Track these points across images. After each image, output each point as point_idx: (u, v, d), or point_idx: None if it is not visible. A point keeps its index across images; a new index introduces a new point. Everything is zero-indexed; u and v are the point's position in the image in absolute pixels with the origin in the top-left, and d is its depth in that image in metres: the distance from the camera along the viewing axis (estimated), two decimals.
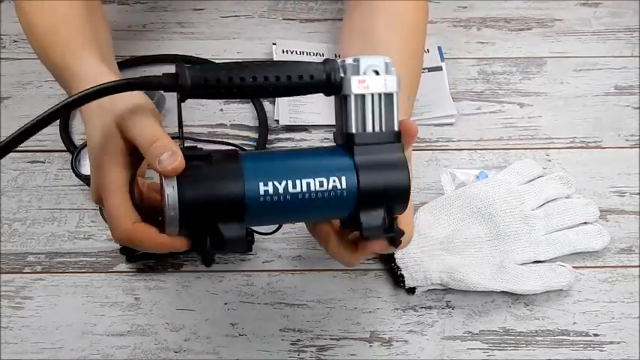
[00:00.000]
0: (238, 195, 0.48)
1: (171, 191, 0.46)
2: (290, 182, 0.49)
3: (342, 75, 0.51)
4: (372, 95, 0.51)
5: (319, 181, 0.50)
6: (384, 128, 0.51)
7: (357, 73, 0.51)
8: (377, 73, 0.51)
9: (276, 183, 0.49)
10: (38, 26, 0.64)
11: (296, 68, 0.50)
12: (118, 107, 0.51)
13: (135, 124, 0.50)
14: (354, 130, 0.51)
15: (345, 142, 0.52)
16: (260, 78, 0.48)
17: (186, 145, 0.50)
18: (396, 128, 0.52)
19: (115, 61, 0.69)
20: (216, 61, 0.82)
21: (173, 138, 0.49)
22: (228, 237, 0.47)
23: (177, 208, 0.47)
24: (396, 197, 0.51)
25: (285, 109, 0.79)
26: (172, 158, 0.47)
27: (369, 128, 0.51)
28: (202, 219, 0.48)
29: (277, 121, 0.78)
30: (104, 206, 0.50)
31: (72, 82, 0.57)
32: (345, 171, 0.50)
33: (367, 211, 0.51)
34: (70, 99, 0.49)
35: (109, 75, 0.56)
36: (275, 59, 0.83)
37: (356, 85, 0.50)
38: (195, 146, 0.51)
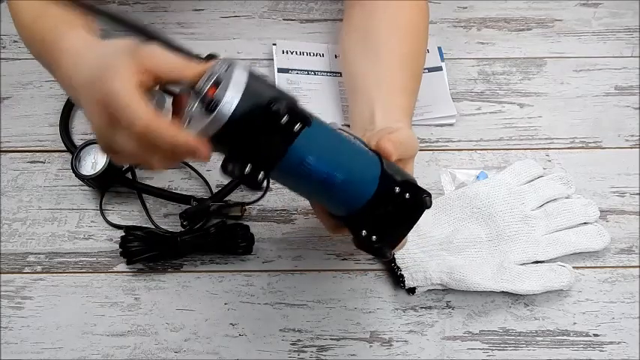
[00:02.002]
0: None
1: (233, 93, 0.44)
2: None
3: None
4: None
5: (353, 136, 0.52)
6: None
7: None
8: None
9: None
10: (24, 19, 0.61)
11: None
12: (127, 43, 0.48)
13: (159, 50, 0.47)
14: None
15: None
16: None
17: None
18: None
19: None
20: None
21: None
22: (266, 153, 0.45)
23: (232, 109, 0.44)
24: (409, 177, 0.54)
25: None
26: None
27: None
28: (248, 131, 0.45)
29: None
30: (111, 104, 0.45)
31: (60, 58, 0.54)
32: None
33: (390, 170, 0.52)
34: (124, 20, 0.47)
35: (103, 44, 0.51)
36: (275, 59, 0.83)
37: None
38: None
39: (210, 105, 0.44)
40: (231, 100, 0.44)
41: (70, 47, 0.54)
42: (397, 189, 0.51)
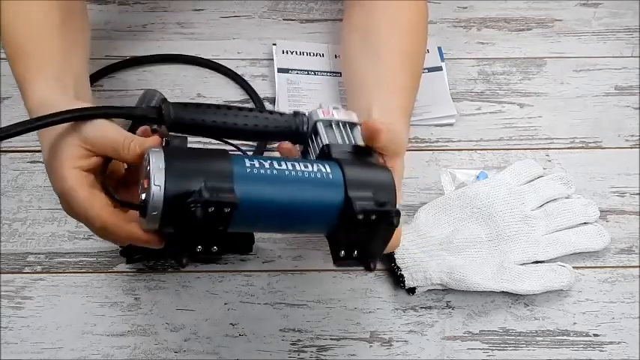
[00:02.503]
0: (225, 161, 0.48)
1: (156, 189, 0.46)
2: (275, 161, 0.50)
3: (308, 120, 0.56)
4: (338, 121, 0.56)
5: (303, 164, 0.51)
6: (353, 142, 0.55)
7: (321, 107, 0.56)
8: (337, 108, 0.56)
9: (261, 160, 0.50)
10: (9, 32, 0.61)
11: (267, 119, 0.55)
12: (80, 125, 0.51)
13: (101, 128, 0.51)
14: (326, 142, 0.54)
15: (321, 155, 0.54)
16: (230, 123, 0.53)
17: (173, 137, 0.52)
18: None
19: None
20: (216, 62, 0.82)
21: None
22: (217, 199, 0.46)
23: (160, 205, 0.46)
24: (381, 184, 0.52)
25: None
26: (147, 138, 0.49)
27: (341, 142, 0.55)
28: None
29: None
30: (70, 202, 0.50)
31: (25, 100, 0.57)
32: (325, 161, 0.52)
33: (357, 192, 0.50)
34: (45, 121, 0.50)
35: (53, 104, 0.52)
36: (275, 59, 0.83)
37: (321, 114, 0.56)
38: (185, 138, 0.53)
39: (142, 209, 0.47)
40: (155, 205, 0.46)
41: (35, 98, 0.56)
42: (360, 216, 0.48)
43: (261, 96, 0.80)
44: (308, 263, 0.69)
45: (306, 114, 0.57)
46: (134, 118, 0.54)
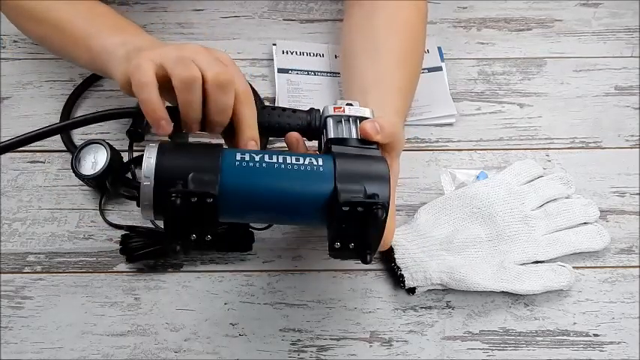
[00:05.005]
0: (215, 156, 0.51)
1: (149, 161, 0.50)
2: (266, 155, 0.52)
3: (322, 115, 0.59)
4: (349, 117, 0.57)
5: (295, 157, 0.52)
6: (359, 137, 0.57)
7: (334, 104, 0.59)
8: (351, 105, 0.59)
9: (252, 154, 0.52)
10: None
11: (279, 116, 0.59)
12: None
13: None
14: (331, 135, 0.57)
15: (324, 149, 0.57)
16: None
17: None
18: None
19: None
20: None
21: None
22: (196, 189, 0.49)
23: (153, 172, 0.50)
24: (375, 177, 0.52)
25: None
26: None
27: (345, 136, 0.57)
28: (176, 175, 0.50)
29: None
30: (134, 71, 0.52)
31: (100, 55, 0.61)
32: (321, 155, 0.54)
33: (346, 185, 0.51)
34: (80, 118, 0.56)
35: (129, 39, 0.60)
36: (275, 59, 0.83)
37: (332, 110, 0.58)
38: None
39: (136, 200, 0.51)
40: (146, 196, 0.50)
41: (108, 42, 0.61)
42: (345, 208, 0.50)
43: (262, 96, 0.80)
44: (308, 263, 0.69)
45: (320, 110, 0.60)
46: (134, 114, 0.56)
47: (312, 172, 0.52)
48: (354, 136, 0.57)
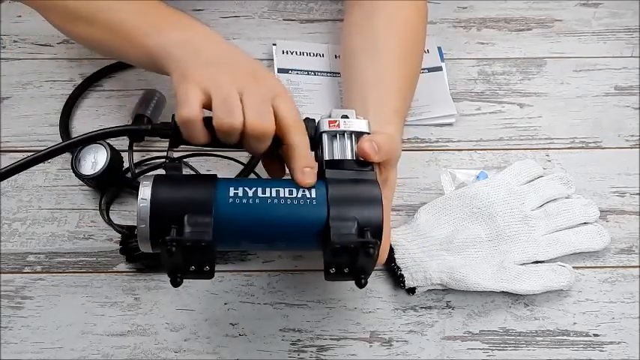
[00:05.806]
0: (208, 194, 0.52)
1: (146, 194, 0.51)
2: (260, 188, 0.53)
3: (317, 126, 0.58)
4: (344, 132, 0.57)
5: (288, 190, 0.53)
6: (354, 158, 0.57)
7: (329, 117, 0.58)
8: (346, 117, 0.58)
9: (246, 188, 0.53)
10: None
11: None
12: None
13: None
14: (326, 157, 0.57)
15: (319, 171, 0.56)
16: None
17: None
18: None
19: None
20: None
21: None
22: (191, 233, 0.50)
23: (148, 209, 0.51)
24: (368, 206, 0.53)
25: None
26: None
27: (339, 157, 0.57)
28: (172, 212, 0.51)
29: None
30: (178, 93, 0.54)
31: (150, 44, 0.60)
32: (316, 185, 0.54)
33: (338, 221, 0.52)
34: (86, 135, 0.59)
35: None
36: (275, 59, 0.83)
37: (326, 125, 0.57)
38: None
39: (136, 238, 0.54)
40: (143, 239, 0.52)
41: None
42: (337, 246, 0.51)
43: None
44: (308, 263, 0.69)
45: (316, 121, 0.59)
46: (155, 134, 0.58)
47: (305, 205, 0.53)
48: (348, 155, 0.57)
